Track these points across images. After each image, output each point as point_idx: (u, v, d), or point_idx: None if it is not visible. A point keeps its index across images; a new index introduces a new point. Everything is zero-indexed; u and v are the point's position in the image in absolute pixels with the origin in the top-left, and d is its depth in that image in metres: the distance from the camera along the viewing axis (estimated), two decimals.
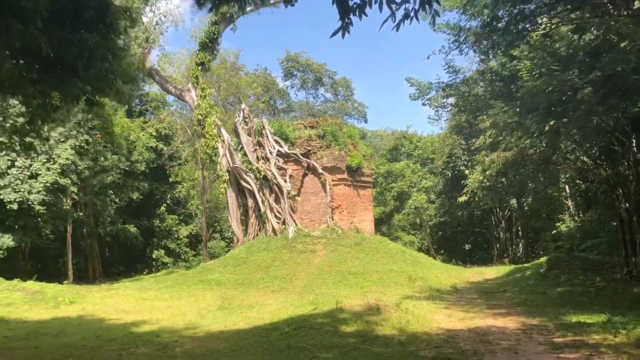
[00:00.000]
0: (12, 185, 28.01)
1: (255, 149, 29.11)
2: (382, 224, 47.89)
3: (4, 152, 26.23)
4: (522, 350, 8.89)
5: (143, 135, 40.72)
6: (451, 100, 26.11)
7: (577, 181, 27.01)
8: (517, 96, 16.91)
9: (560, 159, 21.56)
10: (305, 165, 28.40)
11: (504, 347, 9.22)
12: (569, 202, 32.98)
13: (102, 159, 34.21)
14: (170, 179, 43.43)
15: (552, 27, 14.49)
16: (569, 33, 14.89)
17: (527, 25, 14.49)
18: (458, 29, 19.34)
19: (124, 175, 37.62)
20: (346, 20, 6.17)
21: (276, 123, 31.17)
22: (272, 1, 30.44)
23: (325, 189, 27.98)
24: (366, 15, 6.24)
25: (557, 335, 10.06)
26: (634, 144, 17.13)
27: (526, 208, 40.28)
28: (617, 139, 17.27)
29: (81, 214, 34.67)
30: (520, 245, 43.09)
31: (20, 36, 7.88)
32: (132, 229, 39.30)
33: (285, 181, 27.92)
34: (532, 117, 15.99)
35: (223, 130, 29.49)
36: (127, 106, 37.22)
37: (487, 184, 32.94)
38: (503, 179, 32.80)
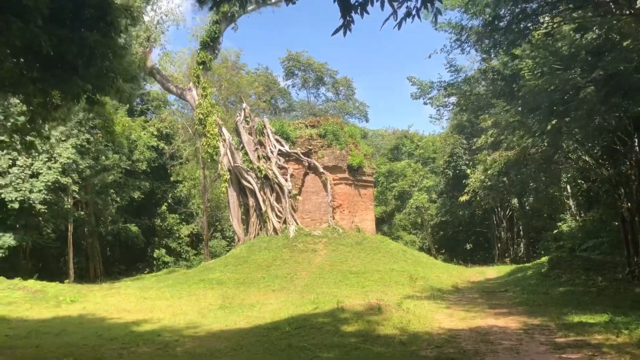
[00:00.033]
0: (13, 184, 27.99)
1: (257, 148, 29.09)
2: (383, 223, 47.87)
3: (5, 151, 26.31)
4: (524, 350, 8.86)
5: (144, 134, 40.69)
6: (453, 99, 26.02)
7: (579, 181, 26.98)
8: (519, 95, 16.85)
9: (562, 159, 21.53)
10: (307, 164, 28.37)
11: (505, 347, 9.19)
12: (571, 202, 32.93)
13: (103, 158, 34.20)
14: (172, 178, 43.46)
15: (554, 26, 14.43)
16: (571, 32, 14.84)
17: (529, 24, 14.45)
18: (460, 27, 19.28)
19: (125, 175, 37.61)
20: (348, 18, 6.15)
21: (277, 122, 31.15)
22: (273, 0, 30.43)
23: (326, 188, 27.95)
24: (368, 13, 6.22)
25: (559, 335, 10.02)
26: (636, 144, 17.09)
27: (527, 207, 40.22)
28: (619, 138, 17.23)
29: (82, 213, 34.67)
30: (522, 245, 43.05)
31: (20, 34, 7.87)
32: (133, 228, 39.30)
33: (286, 180, 27.89)
34: (534, 116, 15.95)
35: (224, 130, 29.47)
36: (128, 105, 37.20)
37: (489, 183, 32.88)
38: (504, 179, 32.74)
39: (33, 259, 33.07)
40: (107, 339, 11.35)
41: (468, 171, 37.25)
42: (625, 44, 12.62)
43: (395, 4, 6.05)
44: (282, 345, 10.02)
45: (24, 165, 28.66)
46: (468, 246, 48.98)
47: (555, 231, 32.05)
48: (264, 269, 22.96)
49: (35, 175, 28.92)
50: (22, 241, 28.75)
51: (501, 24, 14.56)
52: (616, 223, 20.86)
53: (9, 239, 27.96)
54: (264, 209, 28.03)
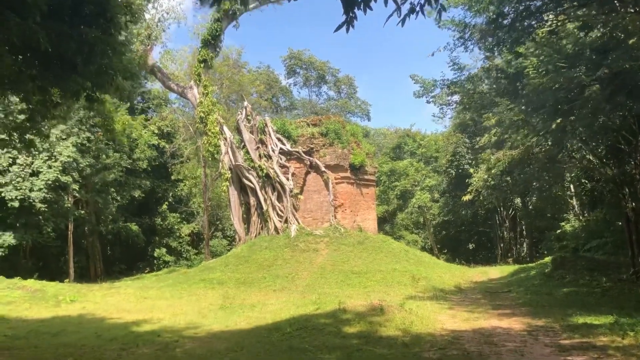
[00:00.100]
0: (13, 182, 27.94)
1: (258, 147, 28.98)
2: (385, 222, 47.76)
3: (5, 150, 26.24)
4: (528, 353, 8.74)
5: (145, 132, 40.63)
6: (456, 97, 25.97)
7: (583, 180, 26.82)
8: (522, 94, 16.75)
9: (566, 158, 21.38)
10: (308, 163, 28.25)
11: (509, 348, 9.07)
12: (574, 201, 32.77)
13: (103, 156, 34.13)
14: (172, 177, 43.40)
15: (559, 24, 14.33)
16: (576, 30, 14.72)
17: (533, 22, 14.37)
18: (463, 25, 19.20)
19: (126, 173, 37.54)
20: (351, 14, 6.04)
21: (279, 121, 31.01)
22: None
23: (328, 187, 27.83)
24: (371, 9, 6.10)
25: (564, 337, 9.91)
26: None
27: (531, 207, 40.10)
28: (624, 137, 17.11)
29: (83, 212, 34.62)
30: (525, 245, 42.94)
31: (18, 31, 7.75)
32: (134, 227, 39.25)
33: (287, 179, 27.77)
34: (538, 115, 15.84)
35: (225, 128, 29.35)
36: (128, 103, 37.20)
37: (492, 182, 32.76)
38: (508, 178, 32.62)
39: (33, 258, 33.03)
40: (106, 340, 11.25)
41: (471, 170, 37.12)
42: (630, 42, 12.48)
43: (399, 0, 5.94)
44: (283, 346, 9.91)
45: (24, 164, 28.60)
46: (470, 246, 48.88)
47: (559, 231, 31.88)
48: (265, 269, 22.86)
49: (35, 173, 28.86)
50: (22, 240, 28.69)
51: (505, 21, 14.48)
52: (620, 223, 20.72)
53: (9, 238, 27.89)
54: (265, 208, 27.93)
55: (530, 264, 28.27)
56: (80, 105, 11.23)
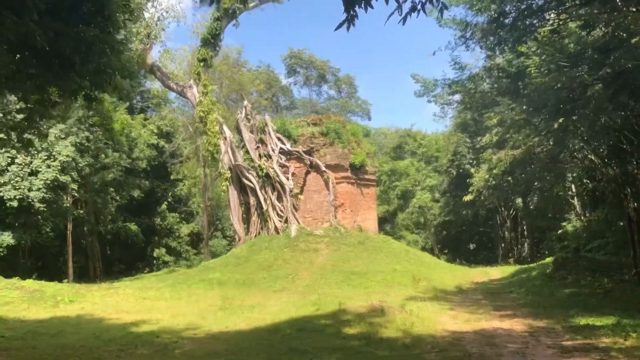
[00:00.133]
0: (12, 182, 27.82)
1: (258, 147, 28.90)
2: (385, 222, 47.72)
3: (3, 149, 26.15)
4: (530, 354, 8.69)
5: (144, 132, 40.53)
6: (457, 97, 25.90)
7: (585, 180, 26.62)
8: (524, 93, 16.67)
9: (568, 158, 21.28)
10: (308, 162, 28.17)
11: (511, 350, 9.01)
12: (576, 202, 32.66)
13: (102, 156, 34.03)
14: (172, 177, 43.35)
15: (561, 23, 14.25)
16: (578, 29, 14.65)
17: (535, 21, 14.29)
18: (464, 24, 19.10)
19: (125, 173, 37.41)
20: (351, 12, 5.97)
21: (279, 120, 30.92)
22: None
23: (329, 187, 27.76)
24: (372, 7, 6.04)
25: (566, 338, 9.86)
26: None
27: (532, 207, 40.01)
28: (626, 137, 16.98)
29: (82, 211, 34.52)
30: (526, 245, 42.87)
31: (15, 29, 7.66)
32: (133, 227, 39.15)
33: (287, 179, 27.68)
34: (540, 114, 15.75)
35: (225, 128, 29.27)
36: (127, 102, 37.11)
37: (493, 182, 32.67)
38: (509, 178, 32.53)
39: (32, 258, 32.96)
40: (104, 341, 11.15)
41: (472, 170, 37.05)
42: (633, 41, 12.40)
43: None
44: (283, 348, 9.83)
45: (23, 163, 28.50)
46: (471, 246, 48.84)
47: (560, 231, 31.76)
48: (265, 269, 22.77)
49: (34, 173, 28.75)
50: (20, 240, 28.58)
51: (506, 20, 14.39)
52: (622, 223, 20.63)
53: (7, 238, 27.79)
54: (265, 208, 27.84)
55: (531, 265, 28.21)
56: (78, 104, 11.19)
